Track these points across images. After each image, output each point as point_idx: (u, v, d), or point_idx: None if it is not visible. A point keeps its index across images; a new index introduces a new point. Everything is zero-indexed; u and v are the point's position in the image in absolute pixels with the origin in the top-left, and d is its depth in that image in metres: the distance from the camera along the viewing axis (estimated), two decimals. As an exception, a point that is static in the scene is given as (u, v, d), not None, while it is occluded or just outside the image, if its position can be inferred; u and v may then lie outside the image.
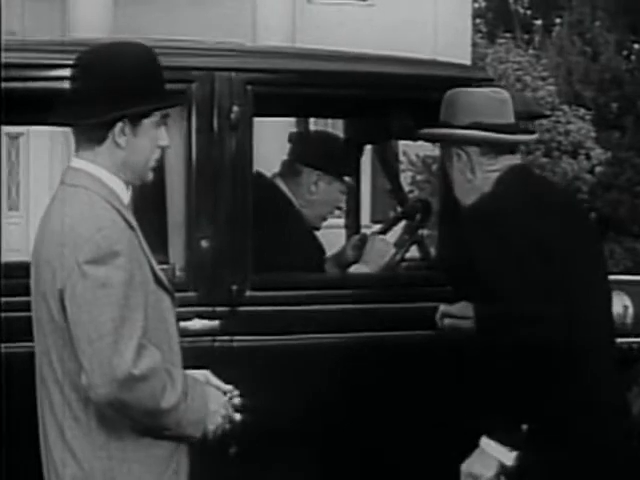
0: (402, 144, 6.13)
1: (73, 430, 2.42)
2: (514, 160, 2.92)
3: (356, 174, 4.72)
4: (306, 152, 3.91)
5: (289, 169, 3.90)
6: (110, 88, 2.44)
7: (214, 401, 2.53)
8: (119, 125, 2.45)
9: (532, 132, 3.26)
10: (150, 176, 2.57)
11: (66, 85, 2.56)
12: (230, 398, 2.58)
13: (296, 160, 3.91)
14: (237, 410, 2.60)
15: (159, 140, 2.54)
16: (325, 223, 4.02)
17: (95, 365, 2.31)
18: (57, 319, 2.40)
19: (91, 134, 2.48)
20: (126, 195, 2.52)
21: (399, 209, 4.56)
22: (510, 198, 2.81)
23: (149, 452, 2.45)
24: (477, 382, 2.76)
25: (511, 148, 2.94)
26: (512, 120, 2.94)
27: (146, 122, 2.49)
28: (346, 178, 4.01)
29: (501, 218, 2.74)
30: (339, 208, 4.06)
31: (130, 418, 2.39)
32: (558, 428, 2.68)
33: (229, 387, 2.60)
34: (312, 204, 3.87)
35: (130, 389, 2.32)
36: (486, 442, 2.67)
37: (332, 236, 6.99)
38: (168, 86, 3.29)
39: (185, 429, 2.45)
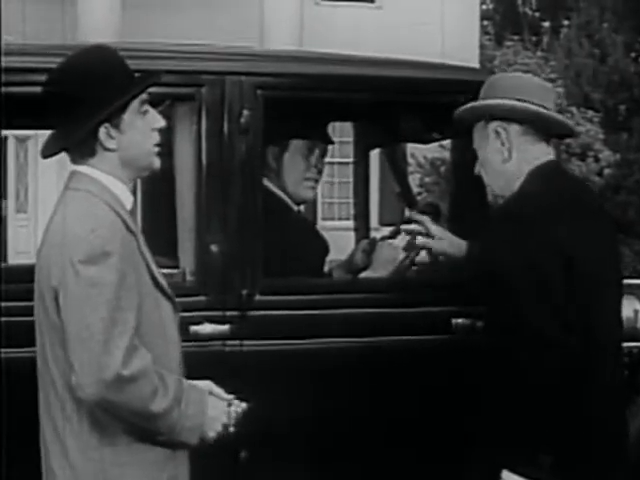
0: (410, 146, 6.12)
1: (66, 430, 2.43)
2: (549, 154, 2.85)
3: (365, 177, 4.73)
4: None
5: (262, 161, 3.67)
6: (74, 104, 2.44)
7: (213, 408, 2.51)
8: (102, 131, 2.45)
9: None
10: (157, 163, 2.56)
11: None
12: (230, 405, 2.56)
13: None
14: (239, 418, 2.57)
15: (153, 124, 2.53)
16: (334, 225, 3.98)
17: (84, 364, 2.31)
18: (52, 317, 2.41)
19: (79, 151, 2.49)
20: (129, 200, 2.53)
21: (408, 212, 4.55)
22: (536, 202, 2.72)
23: (143, 456, 2.45)
24: (491, 402, 2.72)
25: (550, 135, 2.86)
26: (551, 106, 2.86)
27: (126, 117, 2.48)
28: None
29: (524, 224, 2.65)
30: (319, 171, 3.86)
31: (119, 419, 2.39)
32: (580, 451, 2.61)
33: (230, 396, 2.58)
34: (285, 178, 3.79)
35: (118, 390, 2.31)
36: (508, 475, 2.59)
37: (341, 238, 7.00)
38: (178, 90, 3.34)
39: (179, 435, 2.44)
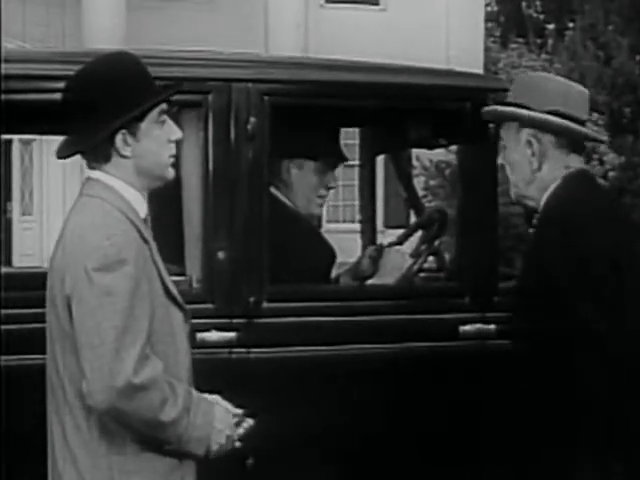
0: (415, 149, 6.12)
1: (75, 437, 2.43)
2: (580, 163, 2.83)
3: (371, 181, 4.72)
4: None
5: (272, 171, 3.70)
6: (92, 109, 2.43)
7: (220, 420, 2.51)
8: (119, 138, 2.45)
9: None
10: (171, 173, 2.56)
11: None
12: (238, 421, 2.56)
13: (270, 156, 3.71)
14: (243, 435, 2.57)
15: (170, 135, 2.52)
16: (339, 228, 3.98)
17: (95, 372, 2.31)
18: (64, 325, 2.41)
19: (94, 155, 2.48)
20: (143, 207, 2.52)
21: (414, 218, 4.54)
22: (582, 206, 2.71)
23: (150, 465, 2.45)
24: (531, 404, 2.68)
25: (583, 147, 2.84)
26: (585, 117, 2.83)
27: (144, 125, 2.47)
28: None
29: (573, 228, 2.63)
30: (330, 188, 3.89)
31: (129, 428, 2.39)
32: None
33: (239, 411, 2.58)
34: (294, 192, 3.80)
35: (128, 398, 2.31)
36: None
37: (346, 241, 7.00)
38: (185, 97, 3.34)
39: (187, 445, 2.44)
